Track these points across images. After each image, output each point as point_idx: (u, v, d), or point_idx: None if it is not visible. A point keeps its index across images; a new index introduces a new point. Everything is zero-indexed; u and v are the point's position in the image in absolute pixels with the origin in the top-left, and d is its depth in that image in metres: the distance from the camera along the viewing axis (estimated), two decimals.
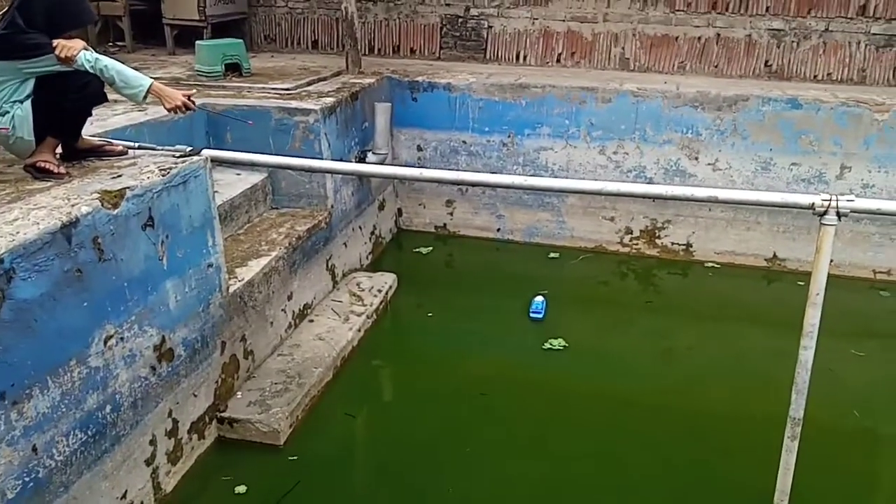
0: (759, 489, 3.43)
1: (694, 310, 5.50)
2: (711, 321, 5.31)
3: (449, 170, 5.90)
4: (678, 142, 5.81)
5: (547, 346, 4.73)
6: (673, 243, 6.06)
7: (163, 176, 3.19)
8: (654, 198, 5.23)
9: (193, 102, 3.34)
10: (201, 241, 3.50)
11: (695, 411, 4.21)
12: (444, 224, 6.51)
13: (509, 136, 6.12)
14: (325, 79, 5.94)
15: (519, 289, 5.50)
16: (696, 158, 5.80)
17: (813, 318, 3.07)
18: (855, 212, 3.00)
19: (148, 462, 3.22)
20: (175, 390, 3.38)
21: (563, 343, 4.74)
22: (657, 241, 6.08)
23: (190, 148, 3.55)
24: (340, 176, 5.10)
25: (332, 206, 5.07)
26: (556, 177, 6.07)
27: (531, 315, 5.05)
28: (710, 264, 5.96)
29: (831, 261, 5.35)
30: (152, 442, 3.24)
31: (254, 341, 4.12)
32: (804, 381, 3.16)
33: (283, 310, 4.45)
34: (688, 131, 5.76)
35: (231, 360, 3.88)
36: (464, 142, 6.23)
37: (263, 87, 5.47)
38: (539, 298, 5.14)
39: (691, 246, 6.02)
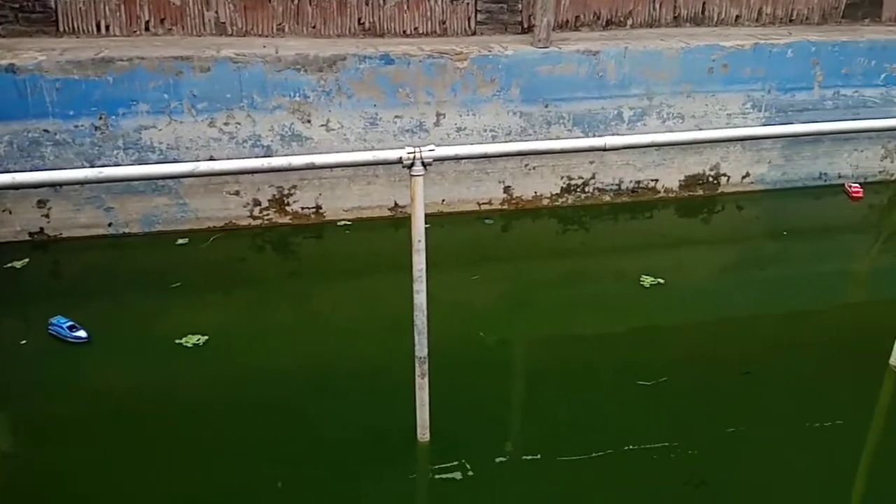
0: (406, 427, 3.64)
1: (334, 269, 5.59)
2: (351, 277, 5.45)
3: (25, 171, 5.00)
4: (288, 106, 5.71)
5: (180, 342, 4.36)
6: (303, 208, 6.03)
7: None
8: (253, 172, 5.10)
9: None
10: None
11: (339, 369, 4.27)
12: (41, 228, 5.55)
13: (101, 119, 5.38)
14: None
15: (147, 286, 5.02)
16: (309, 121, 5.79)
17: (419, 263, 3.25)
18: (437, 159, 3.20)
19: None
20: None
21: (200, 338, 4.41)
22: (287, 208, 6.00)
23: None
24: None
25: None
26: (165, 157, 5.56)
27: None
28: (343, 222, 6.08)
29: (443, 200, 6.04)
30: None
31: None
32: (422, 322, 3.37)
33: None
34: (295, 95, 5.70)
35: None
36: (45, 130, 5.31)
37: None
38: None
39: (321, 208, 6.06)
